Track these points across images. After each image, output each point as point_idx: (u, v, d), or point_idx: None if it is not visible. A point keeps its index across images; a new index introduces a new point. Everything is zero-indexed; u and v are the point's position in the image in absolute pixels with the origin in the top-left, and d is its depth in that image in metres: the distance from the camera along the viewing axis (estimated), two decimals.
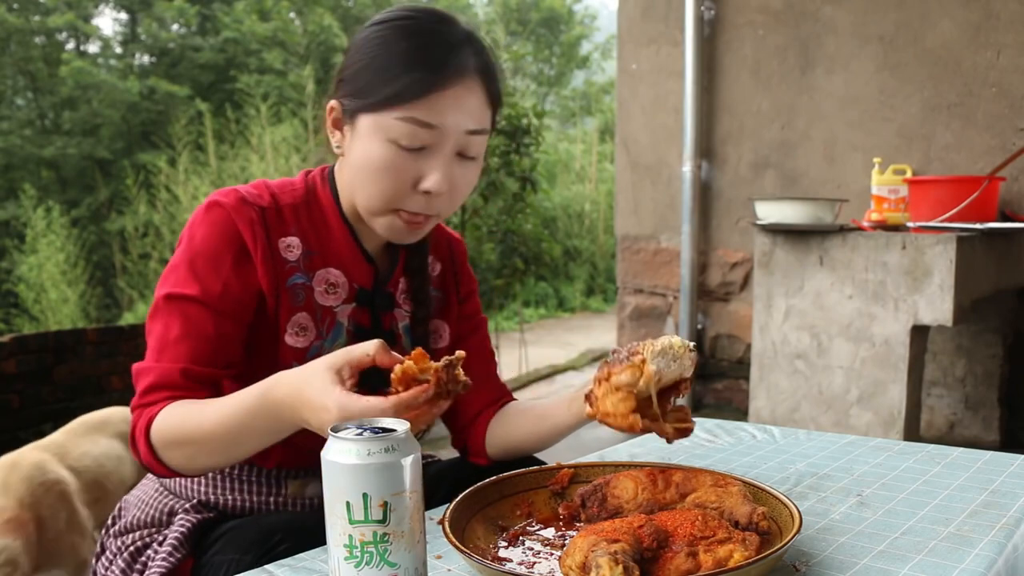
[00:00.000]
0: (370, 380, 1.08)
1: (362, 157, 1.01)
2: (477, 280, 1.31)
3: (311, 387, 0.85)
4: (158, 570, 1.03)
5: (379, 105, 0.99)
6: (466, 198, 1.08)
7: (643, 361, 0.86)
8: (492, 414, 1.20)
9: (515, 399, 1.26)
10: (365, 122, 1.01)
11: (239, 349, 1.03)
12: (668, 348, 0.88)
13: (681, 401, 0.94)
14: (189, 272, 1.00)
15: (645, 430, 0.90)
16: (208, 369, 0.99)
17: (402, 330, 1.16)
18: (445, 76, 0.98)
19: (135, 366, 1.01)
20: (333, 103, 1.06)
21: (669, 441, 0.92)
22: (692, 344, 0.90)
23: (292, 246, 1.06)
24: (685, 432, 0.93)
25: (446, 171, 1.00)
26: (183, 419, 0.94)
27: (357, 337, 1.10)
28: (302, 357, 1.05)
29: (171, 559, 1.04)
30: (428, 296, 1.17)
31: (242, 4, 13.46)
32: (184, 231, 1.05)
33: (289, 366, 0.96)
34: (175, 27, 13.99)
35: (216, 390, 1.00)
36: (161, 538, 1.10)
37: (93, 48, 14.04)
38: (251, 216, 1.03)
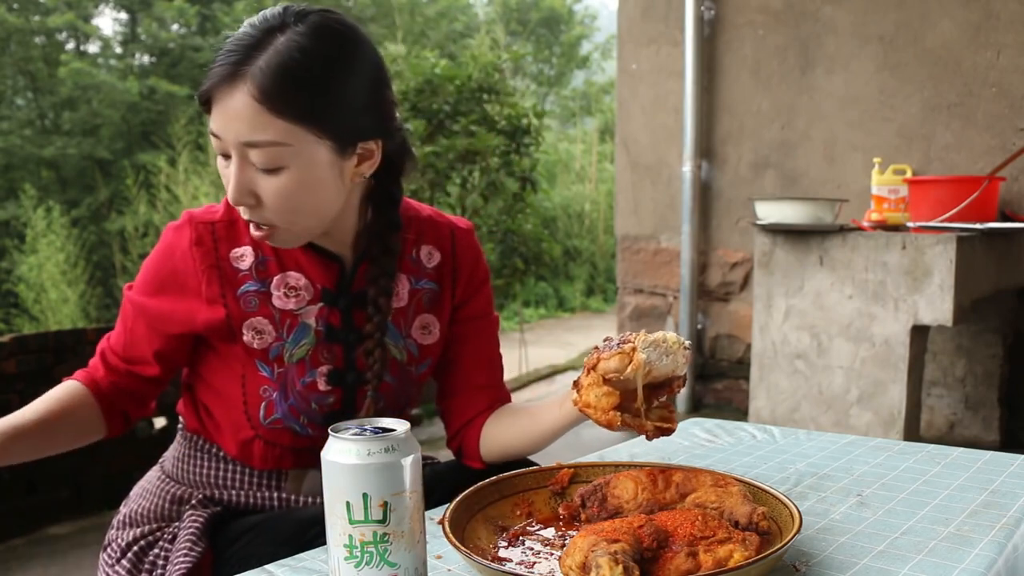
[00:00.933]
0: (344, 380, 1.12)
1: None
2: (489, 273, 1.26)
3: None
4: (183, 566, 1.02)
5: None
6: (305, 209, 1.01)
7: (633, 349, 0.85)
8: (487, 418, 1.18)
9: (511, 402, 1.24)
10: None
11: (146, 352, 1.11)
12: (662, 341, 0.86)
13: (678, 400, 0.93)
14: (139, 276, 1.13)
15: (624, 426, 0.89)
16: (116, 358, 1.12)
17: None
18: (214, 84, 0.97)
19: None
20: None
21: (648, 438, 0.91)
22: (687, 342, 0.89)
23: (244, 255, 1.10)
24: (666, 431, 0.91)
25: (236, 180, 0.98)
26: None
27: (327, 337, 1.11)
28: (265, 357, 1.09)
29: (192, 554, 1.04)
30: (386, 304, 1.13)
31: (242, 4, 13.45)
32: None
33: (252, 364, 1.09)
34: (175, 27, 13.99)
35: (117, 375, 1.12)
36: (169, 536, 1.11)
37: (93, 48, 14.04)
38: (192, 237, 1.08)
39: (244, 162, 0.98)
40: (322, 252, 1.11)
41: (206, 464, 1.17)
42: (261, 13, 1.00)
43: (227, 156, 1.00)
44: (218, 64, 0.97)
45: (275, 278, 1.10)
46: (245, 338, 1.09)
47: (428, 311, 1.18)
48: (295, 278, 1.10)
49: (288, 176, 0.99)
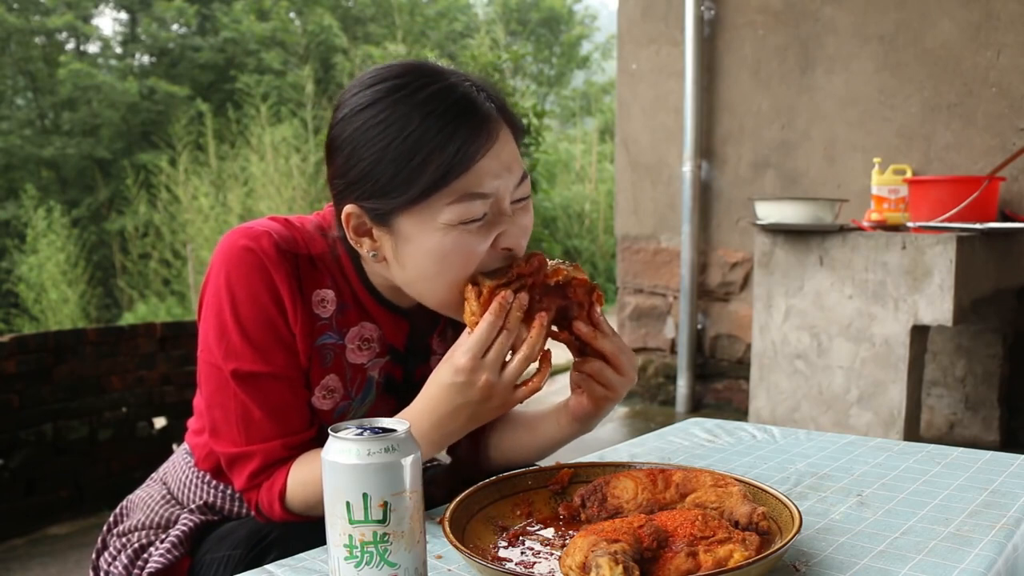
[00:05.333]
0: (396, 390, 1.08)
1: (422, 257, 0.91)
2: None
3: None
4: (155, 565, 1.03)
5: (420, 198, 0.88)
6: None
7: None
8: (489, 426, 1.16)
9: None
10: (408, 223, 0.90)
11: (298, 409, 1.00)
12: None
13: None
14: (247, 345, 0.95)
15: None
16: (302, 434, 0.98)
17: None
18: (480, 136, 0.88)
19: (225, 452, 0.98)
20: (350, 209, 0.92)
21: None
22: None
23: (326, 300, 0.99)
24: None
25: (514, 230, 0.92)
26: (316, 480, 0.92)
27: (387, 390, 1.06)
28: (329, 419, 1.02)
29: (168, 556, 1.04)
30: None
31: (240, 4, 13.46)
32: (216, 280, 0.96)
33: (319, 426, 1.00)
34: (175, 27, 14.00)
35: (314, 443, 0.99)
36: (164, 536, 1.11)
37: (93, 48, 14.06)
38: (288, 270, 0.95)
39: (511, 203, 0.93)
40: (389, 306, 1.03)
41: (219, 498, 1.11)
42: (418, 69, 0.92)
43: (475, 221, 0.90)
44: (465, 114, 0.88)
45: (352, 329, 1.01)
46: (315, 398, 1.00)
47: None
48: (370, 330, 1.02)
49: (530, 200, 0.96)
